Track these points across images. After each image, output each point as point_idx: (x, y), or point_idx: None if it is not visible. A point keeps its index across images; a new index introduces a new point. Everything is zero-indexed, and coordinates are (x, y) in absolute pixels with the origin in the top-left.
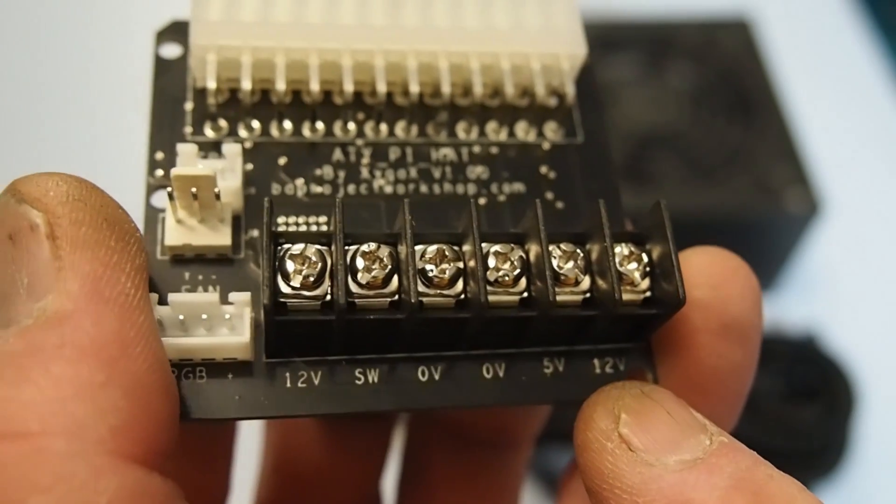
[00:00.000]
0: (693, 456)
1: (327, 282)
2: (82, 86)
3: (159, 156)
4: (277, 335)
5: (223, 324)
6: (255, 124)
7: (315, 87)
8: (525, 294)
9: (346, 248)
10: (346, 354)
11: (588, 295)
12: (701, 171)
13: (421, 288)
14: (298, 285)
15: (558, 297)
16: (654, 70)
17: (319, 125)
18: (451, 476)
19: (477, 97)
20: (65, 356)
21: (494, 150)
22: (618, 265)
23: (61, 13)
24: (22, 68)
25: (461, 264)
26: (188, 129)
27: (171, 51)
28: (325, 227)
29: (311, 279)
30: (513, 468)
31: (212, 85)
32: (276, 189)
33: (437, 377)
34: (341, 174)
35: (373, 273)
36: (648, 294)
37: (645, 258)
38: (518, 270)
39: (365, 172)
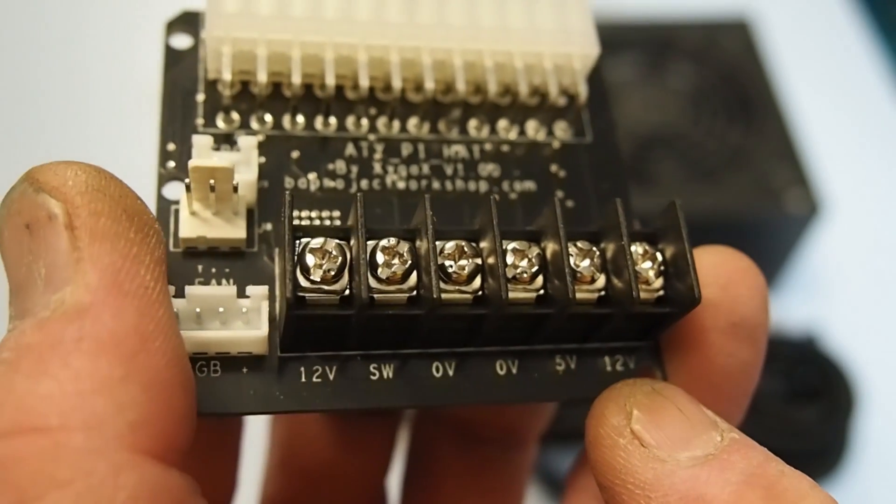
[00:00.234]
0: (705, 452)
1: (346, 276)
2: (92, 77)
3: (171, 147)
4: (295, 329)
5: (239, 317)
6: (268, 118)
7: (330, 81)
8: (542, 291)
9: (366, 240)
10: (361, 350)
11: (603, 293)
12: (701, 171)
13: (440, 284)
14: (319, 279)
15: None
16: (654, 71)
17: (332, 120)
18: (456, 474)
19: (489, 95)
20: (84, 350)
21: (505, 148)
22: (631, 254)
23: (72, 3)
24: (33, 59)
25: (479, 260)
26: (200, 121)
27: (182, 41)
28: (338, 222)
29: (332, 273)
30: (518, 466)
31: (227, 77)
32: (289, 183)
33: (451, 373)
34: (354, 169)
35: (393, 268)
36: (662, 293)
37: (659, 257)
38: (536, 268)
39: (378, 168)
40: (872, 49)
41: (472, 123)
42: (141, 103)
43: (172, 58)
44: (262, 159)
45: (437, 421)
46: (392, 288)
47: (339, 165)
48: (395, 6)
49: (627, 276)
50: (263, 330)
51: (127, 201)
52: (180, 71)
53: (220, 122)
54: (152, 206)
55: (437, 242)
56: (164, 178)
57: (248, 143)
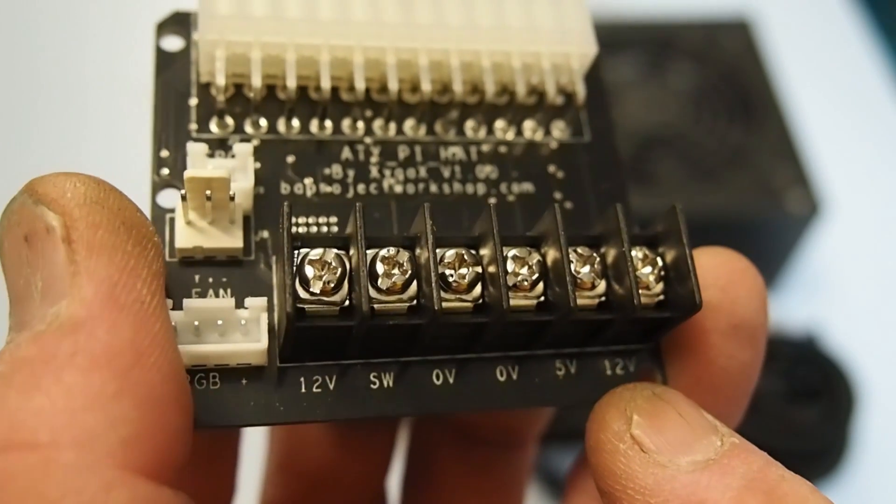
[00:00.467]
0: (705, 457)
1: (346, 287)
2: (85, 80)
3: (164, 154)
4: (295, 340)
5: (238, 329)
6: (263, 122)
7: (326, 84)
8: (542, 298)
9: (366, 250)
10: (361, 358)
11: (604, 299)
12: (701, 171)
13: (441, 294)
14: (318, 291)
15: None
16: (654, 71)
17: (328, 123)
18: (456, 475)
19: (487, 95)
20: (77, 365)
21: (503, 149)
22: (632, 261)
23: (62, 4)
24: (24, 62)
25: (479, 269)
26: (193, 126)
27: (174, 43)
28: (336, 228)
29: (332, 285)
30: (518, 467)
31: (221, 81)
32: (285, 189)
33: (451, 380)
34: (351, 173)
35: (393, 278)
36: (662, 297)
37: (659, 262)
38: (536, 275)
39: (374, 171)
40: (872, 49)
41: (470, 124)
42: (134, 107)
43: (164, 60)
44: (258, 165)
45: (437, 422)
46: (392, 298)
47: (336, 170)
48: (392, 7)
49: (628, 283)
50: (263, 343)
51: (126, 213)
52: (172, 74)
53: (214, 127)
54: (147, 214)
55: (437, 250)
56: (158, 186)
57: (243, 150)
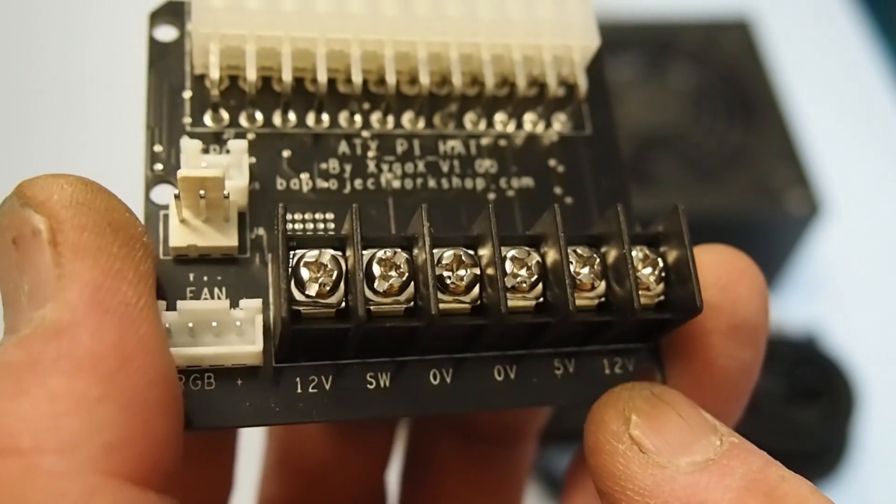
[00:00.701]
0: (705, 457)
1: (342, 288)
2: (77, 73)
3: (158, 148)
4: (290, 342)
5: (233, 330)
6: (258, 115)
7: (323, 78)
8: (542, 299)
9: (363, 252)
10: (357, 358)
11: (603, 300)
12: (701, 172)
13: (438, 296)
14: (314, 294)
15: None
16: (654, 71)
17: (324, 116)
18: (455, 471)
19: (487, 87)
20: (61, 369)
21: (503, 142)
22: (633, 263)
23: None
24: (14, 53)
25: (477, 270)
26: (187, 120)
27: (167, 33)
28: (332, 225)
29: (328, 288)
30: (517, 463)
31: (215, 76)
32: (281, 184)
33: (448, 380)
34: (348, 168)
35: (390, 281)
36: (662, 298)
37: (660, 263)
38: (535, 277)
39: (372, 166)
40: (872, 49)
41: (469, 117)
42: (129, 100)
43: (157, 51)
44: (253, 159)
45: (436, 418)
46: (389, 300)
47: (333, 164)
48: None
49: (629, 286)
50: (258, 345)
51: (113, 214)
52: (166, 66)
53: (209, 121)
54: (140, 210)
55: (435, 251)
56: (151, 182)
57: (238, 147)
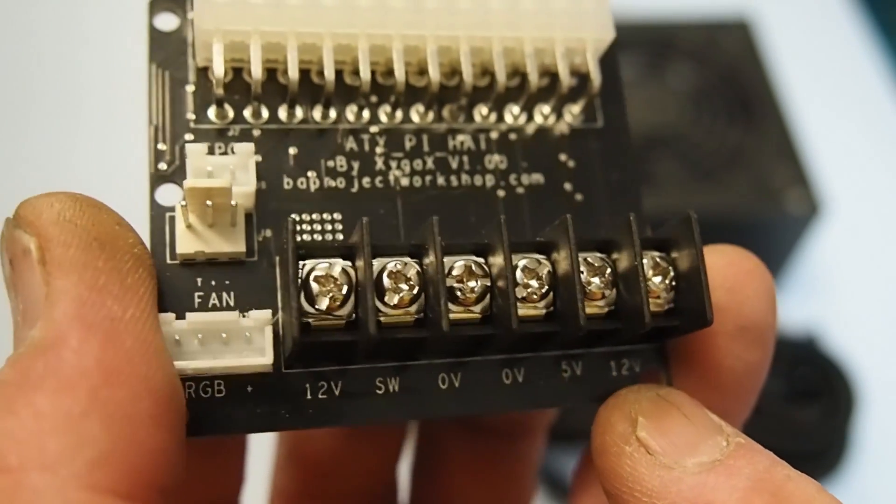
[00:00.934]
0: (711, 458)
1: (352, 300)
2: (76, 66)
3: (161, 147)
4: (300, 352)
5: (243, 340)
6: (264, 111)
7: (330, 75)
8: (552, 308)
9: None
10: (366, 363)
11: (613, 307)
12: (701, 171)
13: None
14: (325, 308)
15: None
16: (654, 71)
17: (331, 111)
18: (465, 464)
19: (497, 79)
20: (47, 387)
21: (513, 135)
22: (644, 275)
23: None
24: (17, 52)
25: (488, 281)
26: (191, 116)
27: (168, 22)
28: (339, 226)
29: (338, 302)
30: (526, 458)
31: (219, 73)
32: (287, 183)
33: (456, 384)
34: (355, 165)
35: (401, 294)
36: (672, 306)
37: (671, 271)
38: (546, 287)
39: (380, 163)
40: (872, 49)
41: (479, 109)
42: (130, 93)
43: (158, 41)
44: (259, 157)
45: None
46: (399, 311)
47: (340, 162)
48: None
49: (639, 300)
50: (268, 357)
51: (100, 228)
52: (167, 57)
53: (213, 117)
54: (146, 212)
55: (445, 259)
56: (156, 182)
57: (245, 150)
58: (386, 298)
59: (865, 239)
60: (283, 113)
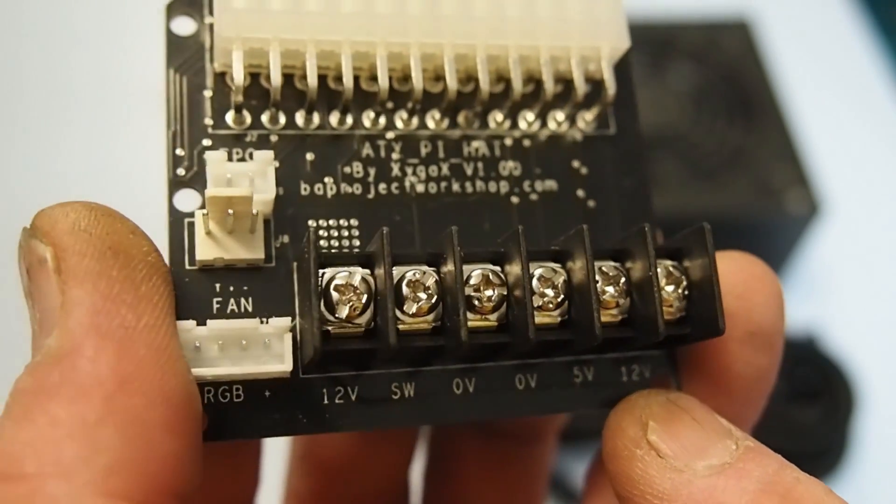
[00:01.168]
0: (721, 461)
1: (371, 308)
2: (96, 74)
3: (180, 152)
4: (319, 361)
5: (262, 347)
6: (281, 117)
7: (349, 83)
8: (567, 316)
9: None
10: (382, 369)
11: (626, 316)
12: (701, 172)
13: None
14: (345, 317)
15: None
16: (654, 71)
17: (349, 119)
18: (477, 467)
19: (513, 87)
20: (62, 395)
21: (527, 142)
22: (659, 286)
23: None
24: (33, 56)
25: (504, 290)
26: (209, 122)
27: (185, 26)
28: (356, 232)
29: (357, 311)
30: (538, 461)
31: (239, 81)
32: (304, 189)
33: (471, 389)
34: (371, 171)
35: (419, 303)
36: (683, 314)
37: (683, 281)
38: (561, 297)
39: (396, 169)
40: (872, 49)
41: (494, 116)
42: (149, 95)
43: (175, 45)
44: (276, 164)
45: None
46: (418, 320)
47: (356, 168)
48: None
49: (653, 311)
50: (287, 364)
51: (114, 237)
52: (185, 62)
53: (231, 122)
54: (164, 218)
55: (462, 267)
56: (174, 187)
57: (264, 157)
58: (405, 307)
59: (865, 239)
60: (300, 118)
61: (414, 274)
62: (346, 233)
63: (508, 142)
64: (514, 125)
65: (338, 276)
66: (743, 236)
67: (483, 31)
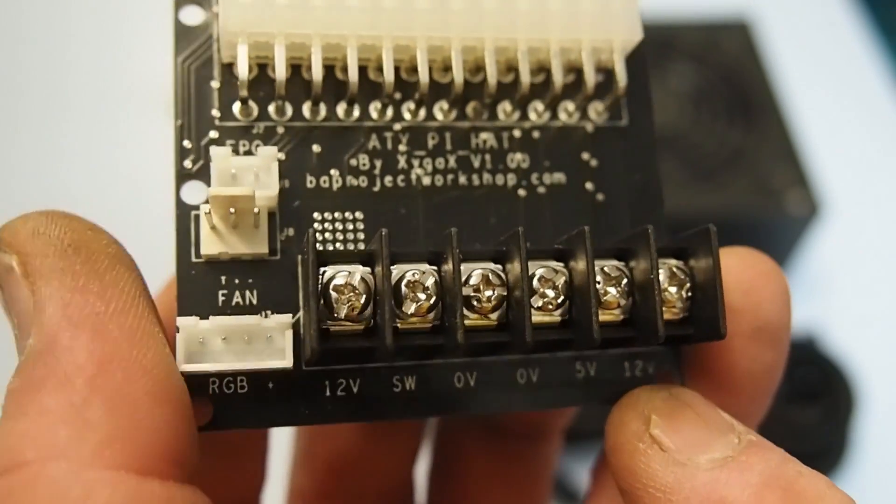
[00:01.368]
0: (723, 455)
1: (371, 307)
2: (103, 69)
3: (187, 144)
4: (319, 357)
5: (265, 342)
6: (288, 108)
7: (354, 77)
8: (567, 316)
9: (391, 268)
10: (384, 363)
11: (628, 315)
12: (702, 172)
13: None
14: (343, 316)
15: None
16: (654, 72)
17: (356, 110)
18: (482, 465)
19: (521, 80)
20: (48, 385)
21: (536, 133)
22: (660, 290)
23: None
24: (37, 54)
25: (504, 291)
26: (216, 113)
27: (193, 16)
28: (361, 225)
29: (356, 311)
30: (543, 458)
31: (244, 75)
32: (310, 182)
33: (472, 383)
34: (377, 164)
35: (418, 303)
36: (686, 314)
37: (687, 282)
38: (562, 297)
39: (402, 162)
40: (872, 49)
41: (503, 107)
42: (156, 86)
43: (183, 35)
44: (282, 156)
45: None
46: (416, 319)
47: (363, 160)
48: None
49: (654, 315)
50: (289, 360)
51: (73, 235)
52: (193, 53)
53: (238, 113)
54: (172, 210)
55: (462, 266)
56: (181, 179)
57: (268, 153)
58: (404, 307)
59: (865, 239)
60: (307, 110)
61: (413, 274)
62: (350, 226)
63: (517, 133)
64: (524, 116)
65: (338, 275)
66: (743, 237)
67: (492, 25)
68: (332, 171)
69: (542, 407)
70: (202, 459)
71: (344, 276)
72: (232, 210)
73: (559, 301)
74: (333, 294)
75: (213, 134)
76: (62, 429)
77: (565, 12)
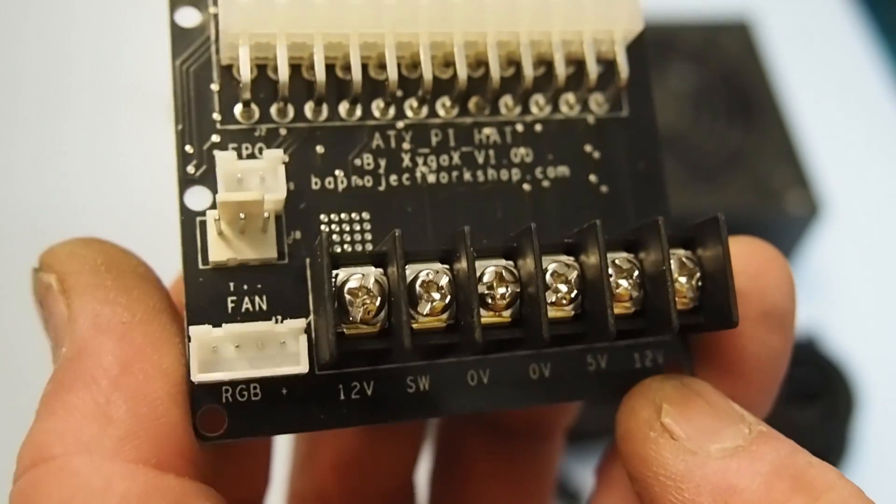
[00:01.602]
0: (734, 444)
1: (385, 309)
2: (104, 73)
3: (189, 149)
4: (335, 361)
5: (278, 347)
6: (290, 109)
7: (357, 75)
8: (580, 310)
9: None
10: (398, 363)
11: (640, 307)
12: (701, 173)
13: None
14: (359, 319)
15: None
16: (654, 72)
17: (358, 109)
18: (484, 465)
19: (524, 73)
20: (76, 387)
21: (539, 127)
22: (672, 280)
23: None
24: (40, 48)
25: (518, 287)
26: (217, 117)
27: (190, 17)
28: (368, 225)
29: (371, 314)
30: (546, 459)
31: (246, 78)
32: (315, 183)
33: (485, 380)
34: (382, 163)
35: (433, 303)
36: (696, 304)
37: (697, 271)
38: (575, 292)
39: (406, 160)
40: (872, 49)
41: (505, 101)
42: (155, 90)
43: (180, 38)
44: (286, 158)
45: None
46: (432, 318)
47: (367, 159)
48: None
49: (667, 306)
50: (304, 366)
51: (105, 256)
52: (191, 56)
53: (239, 116)
54: (176, 217)
55: (476, 263)
56: (184, 185)
57: (274, 156)
58: (419, 307)
59: (865, 239)
60: (308, 110)
61: (427, 274)
62: (357, 227)
63: (520, 128)
64: (526, 110)
65: (351, 278)
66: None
67: (494, 19)
68: (337, 172)
69: (555, 401)
70: (208, 463)
71: (357, 279)
72: (242, 216)
73: (572, 296)
74: (348, 297)
75: (215, 138)
76: (87, 425)
77: (567, 3)
